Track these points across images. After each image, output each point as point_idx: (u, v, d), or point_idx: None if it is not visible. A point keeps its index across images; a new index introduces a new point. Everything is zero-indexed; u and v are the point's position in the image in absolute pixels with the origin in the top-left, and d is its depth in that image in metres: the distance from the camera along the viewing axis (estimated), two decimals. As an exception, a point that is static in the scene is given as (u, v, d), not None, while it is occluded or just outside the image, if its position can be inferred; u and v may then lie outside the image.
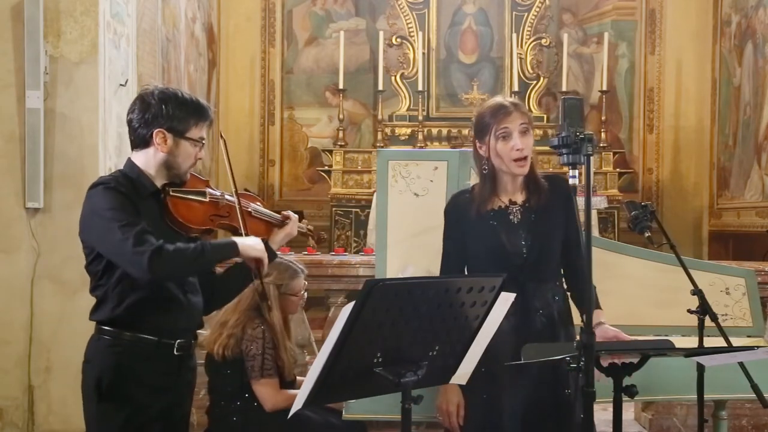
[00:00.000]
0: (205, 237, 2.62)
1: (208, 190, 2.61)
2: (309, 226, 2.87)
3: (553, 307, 2.73)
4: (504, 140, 2.66)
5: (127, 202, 2.47)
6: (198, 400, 4.49)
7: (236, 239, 2.53)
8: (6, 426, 4.33)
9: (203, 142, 2.60)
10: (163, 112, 2.52)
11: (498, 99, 2.77)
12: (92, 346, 2.56)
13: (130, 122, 2.57)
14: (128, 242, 2.38)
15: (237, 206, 2.60)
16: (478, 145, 2.75)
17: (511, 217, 2.74)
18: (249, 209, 2.66)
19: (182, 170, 2.57)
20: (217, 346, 3.45)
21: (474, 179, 3.35)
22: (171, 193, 2.56)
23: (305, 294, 3.75)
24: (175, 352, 2.55)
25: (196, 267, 2.53)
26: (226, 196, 2.63)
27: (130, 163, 2.59)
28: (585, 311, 2.26)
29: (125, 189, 2.50)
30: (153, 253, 2.37)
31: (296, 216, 2.75)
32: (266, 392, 3.44)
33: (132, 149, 2.60)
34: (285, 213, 2.74)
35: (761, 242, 6.94)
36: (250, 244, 2.54)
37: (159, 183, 2.58)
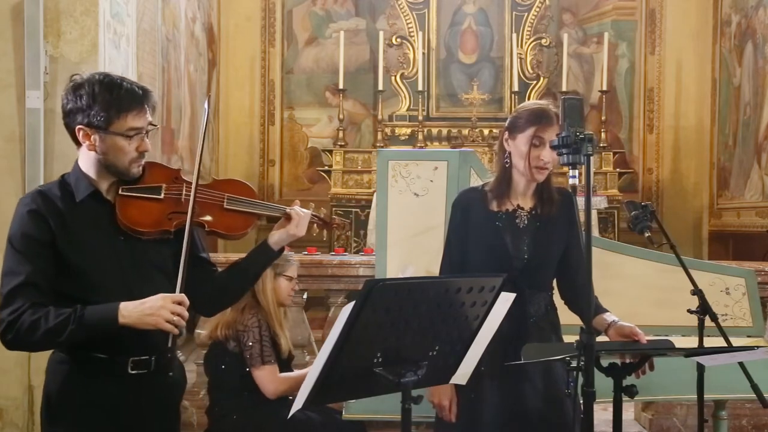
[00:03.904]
0: (166, 239, 2.26)
1: (166, 185, 2.28)
2: (317, 213, 2.49)
3: (545, 316, 2.76)
4: (535, 147, 2.67)
5: (37, 231, 2.16)
6: (198, 400, 4.51)
7: (122, 305, 2.11)
8: (6, 426, 4.33)
9: (142, 132, 2.21)
10: (78, 105, 2.17)
11: (544, 104, 2.76)
12: (48, 362, 2.31)
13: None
14: (2, 298, 2.13)
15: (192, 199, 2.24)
16: (506, 136, 2.74)
17: (518, 221, 2.76)
18: (221, 202, 2.31)
19: (121, 168, 2.22)
20: (220, 328, 3.47)
21: (474, 179, 3.36)
22: (120, 193, 2.25)
23: (297, 285, 3.75)
24: (131, 371, 2.23)
25: (62, 340, 2.10)
26: (184, 189, 2.28)
27: (75, 164, 2.30)
28: (585, 311, 2.25)
29: (53, 199, 2.23)
30: (8, 324, 2.10)
31: (305, 213, 2.37)
32: (267, 378, 3.43)
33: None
34: (289, 210, 2.39)
35: (761, 242, 6.94)
36: (141, 310, 2.09)
37: (105, 184, 2.26)
